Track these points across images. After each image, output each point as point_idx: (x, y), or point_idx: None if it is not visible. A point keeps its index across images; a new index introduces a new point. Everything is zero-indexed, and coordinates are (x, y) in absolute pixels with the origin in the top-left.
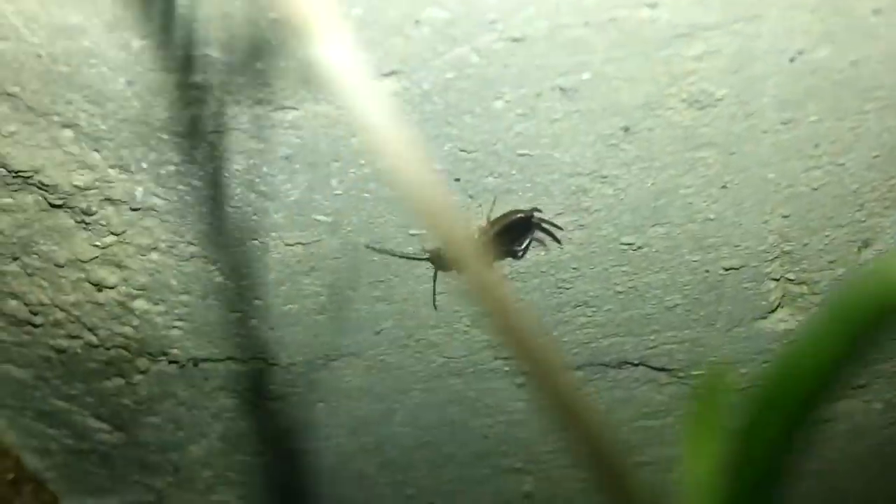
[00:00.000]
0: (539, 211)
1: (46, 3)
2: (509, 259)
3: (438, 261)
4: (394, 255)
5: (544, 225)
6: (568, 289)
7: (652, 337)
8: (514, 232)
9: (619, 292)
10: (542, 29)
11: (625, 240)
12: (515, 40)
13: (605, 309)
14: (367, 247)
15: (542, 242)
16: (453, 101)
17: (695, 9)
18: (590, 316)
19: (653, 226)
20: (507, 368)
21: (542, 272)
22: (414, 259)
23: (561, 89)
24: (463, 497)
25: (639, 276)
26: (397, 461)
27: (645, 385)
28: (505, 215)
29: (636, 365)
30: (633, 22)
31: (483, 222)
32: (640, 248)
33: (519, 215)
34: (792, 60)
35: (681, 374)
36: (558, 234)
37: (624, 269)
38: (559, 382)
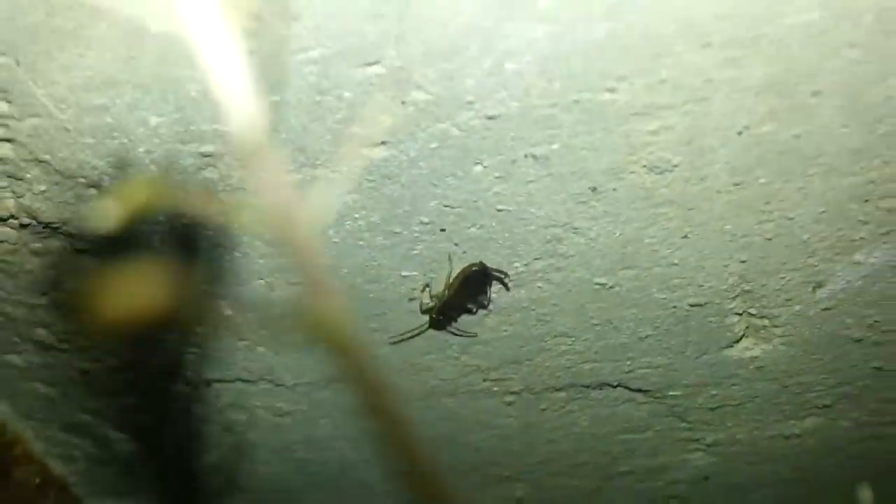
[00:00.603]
0: (484, 264)
1: (74, 87)
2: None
3: (433, 322)
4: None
5: (494, 273)
6: (548, 321)
7: (628, 363)
8: (473, 286)
9: (595, 324)
10: (514, 108)
11: (597, 280)
12: (490, 118)
13: (582, 339)
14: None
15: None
16: (437, 167)
17: (649, 92)
18: (569, 345)
19: (622, 269)
20: (496, 389)
21: (523, 307)
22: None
23: (533, 157)
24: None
25: (612, 311)
26: (397, 472)
27: (624, 404)
28: (458, 275)
29: (615, 386)
30: (595, 103)
31: (441, 289)
32: (611, 287)
33: (473, 269)
34: (739, 134)
35: (657, 395)
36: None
37: (598, 305)
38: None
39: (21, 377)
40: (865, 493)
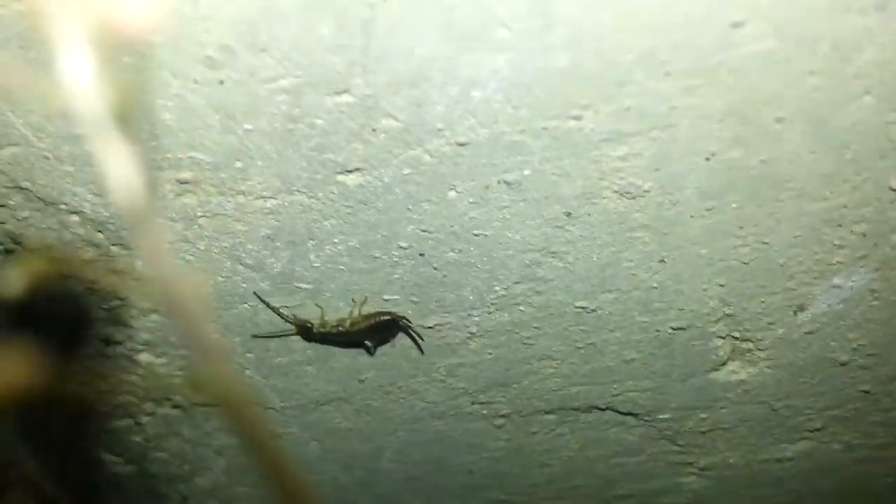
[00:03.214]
0: (407, 320)
1: (51, 116)
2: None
3: (305, 332)
4: (276, 313)
5: (410, 331)
6: (532, 344)
7: (615, 386)
8: (379, 331)
9: (580, 348)
10: (484, 135)
11: (578, 304)
12: (461, 144)
13: (568, 362)
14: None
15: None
16: (412, 192)
17: (614, 119)
18: (556, 368)
19: (602, 292)
20: (484, 412)
21: (507, 330)
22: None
23: (506, 182)
24: None
25: (595, 335)
26: (389, 494)
27: (615, 427)
28: (374, 314)
29: (604, 409)
30: (562, 130)
31: (349, 316)
32: (593, 311)
33: (386, 317)
34: (707, 160)
35: (647, 418)
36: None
37: (581, 328)
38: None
39: None
40: None
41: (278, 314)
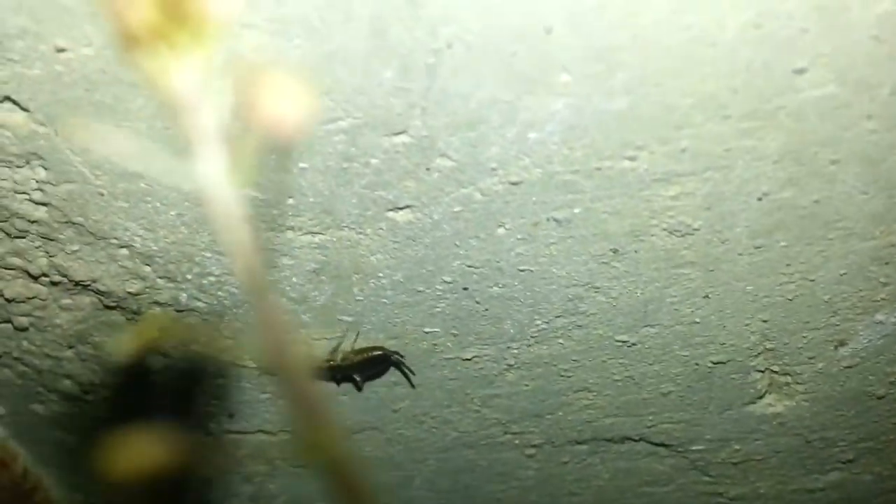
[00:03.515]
0: (401, 356)
1: (109, 155)
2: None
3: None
4: None
5: (402, 367)
6: (569, 377)
7: (650, 417)
8: (370, 366)
9: (617, 380)
10: (537, 174)
11: (619, 338)
12: (514, 183)
13: (604, 394)
14: None
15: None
16: (461, 229)
17: (669, 160)
18: (591, 399)
19: (644, 327)
20: (516, 442)
21: (544, 363)
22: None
23: (555, 220)
24: None
25: (634, 368)
26: None
27: (647, 457)
28: (367, 349)
29: (637, 440)
30: (616, 170)
31: (342, 349)
32: (633, 344)
33: (379, 353)
34: (759, 199)
35: (680, 449)
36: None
37: (620, 361)
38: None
39: (42, 425)
40: None
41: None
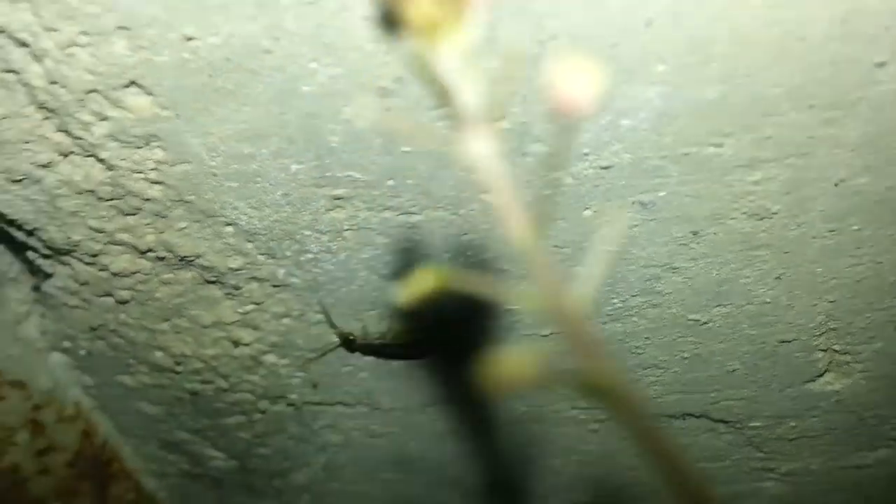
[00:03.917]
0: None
1: (226, 138)
2: None
3: (347, 344)
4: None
5: None
6: (640, 354)
7: (713, 394)
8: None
9: (685, 358)
10: (627, 159)
11: (691, 317)
12: (604, 168)
13: (671, 371)
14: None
15: None
16: (550, 211)
17: (753, 147)
18: (658, 376)
19: (716, 306)
20: (582, 416)
21: (618, 340)
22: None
23: (641, 203)
24: None
25: (703, 346)
26: (478, 492)
27: (705, 433)
28: (416, 329)
29: (698, 417)
30: (702, 156)
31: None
32: (704, 323)
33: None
34: (836, 185)
35: (738, 426)
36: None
37: (690, 339)
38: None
39: (128, 396)
40: None
41: (330, 324)
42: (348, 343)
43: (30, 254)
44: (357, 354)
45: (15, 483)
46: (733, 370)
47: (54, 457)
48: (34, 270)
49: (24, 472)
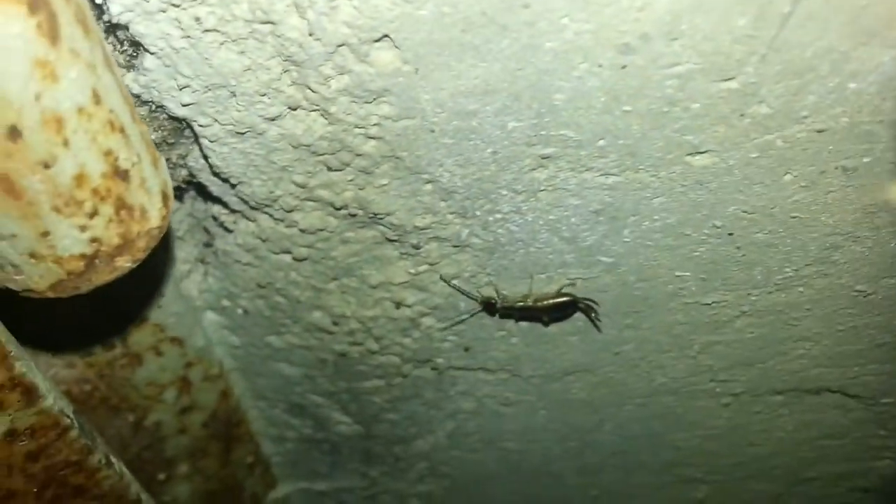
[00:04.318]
0: (592, 302)
1: (456, 94)
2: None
3: (488, 308)
4: (463, 292)
5: (590, 314)
6: (796, 325)
7: (855, 369)
8: (558, 309)
9: (840, 331)
10: (843, 123)
11: (858, 287)
12: (818, 131)
13: (822, 344)
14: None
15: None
16: (750, 174)
17: None
18: (807, 349)
19: (884, 278)
20: (718, 390)
21: (777, 310)
22: (468, 297)
23: (843, 168)
24: (640, 501)
25: (860, 318)
26: (592, 465)
27: (834, 410)
28: (556, 294)
29: (834, 392)
30: None
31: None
32: (868, 294)
33: (567, 298)
34: None
35: (870, 402)
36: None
37: (849, 311)
38: None
39: (271, 357)
40: None
41: (464, 293)
42: (489, 307)
43: (217, 209)
44: (510, 321)
45: (154, 441)
46: (882, 343)
47: (193, 416)
48: (210, 228)
49: (165, 431)
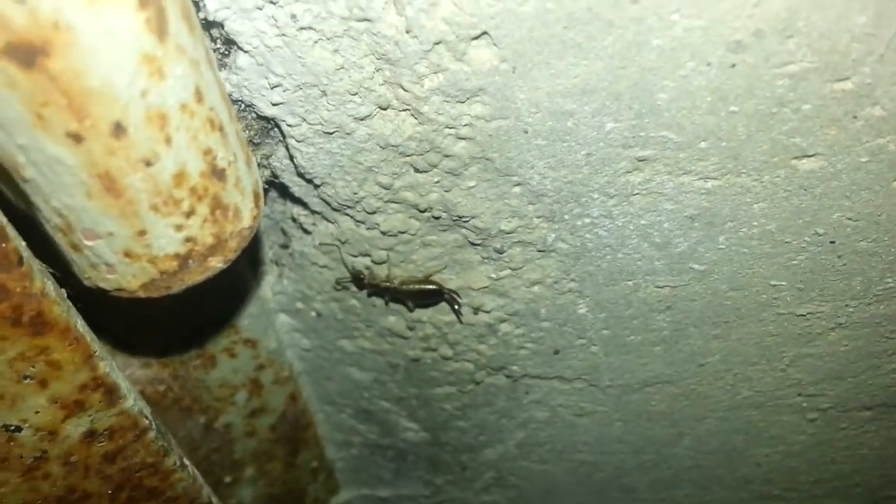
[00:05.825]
0: (455, 294)
1: (553, 93)
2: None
3: (356, 281)
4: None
5: (454, 306)
6: (892, 339)
7: None
8: (422, 296)
9: None
10: None
11: None
12: None
13: None
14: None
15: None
16: (858, 180)
17: None
18: None
19: None
20: (804, 404)
21: (874, 323)
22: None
23: None
24: None
25: None
26: (666, 480)
27: None
28: (424, 281)
29: None
30: None
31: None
32: None
33: (433, 287)
34: None
35: None
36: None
37: None
38: None
39: (342, 362)
40: None
41: (344, 263)
42: (357, 280)
43: (297, 210)
44: (594, 328)
45: (224, 444)
46: None
47: (262, 419)
48: (287, 229)
49: (234, 433)
